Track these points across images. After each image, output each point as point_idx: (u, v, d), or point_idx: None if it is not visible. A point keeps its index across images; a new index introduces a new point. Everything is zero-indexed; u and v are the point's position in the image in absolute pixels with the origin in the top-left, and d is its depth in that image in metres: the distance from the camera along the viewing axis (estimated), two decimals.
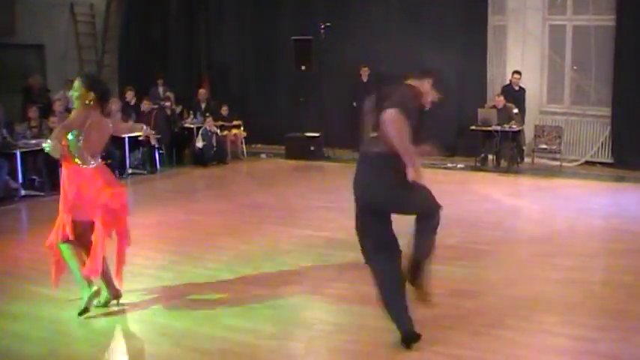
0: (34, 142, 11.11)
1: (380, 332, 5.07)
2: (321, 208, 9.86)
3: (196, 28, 17.10)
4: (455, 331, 5.10)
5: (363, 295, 5.95)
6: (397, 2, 14.66)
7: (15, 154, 10.71)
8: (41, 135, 11.51)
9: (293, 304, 5.85)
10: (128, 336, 5.31)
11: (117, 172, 12.59)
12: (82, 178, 5.46)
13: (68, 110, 12.67)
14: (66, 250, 5.50)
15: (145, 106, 14.03)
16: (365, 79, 15.02)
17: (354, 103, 14.93)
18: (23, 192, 10.71)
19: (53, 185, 10.03)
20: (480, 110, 13.37)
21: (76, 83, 5.46)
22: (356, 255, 7.01)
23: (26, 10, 14.95)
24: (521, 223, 9.22)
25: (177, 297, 6.02)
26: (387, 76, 14.54)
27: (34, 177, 10.93)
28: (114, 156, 12.54)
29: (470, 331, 5.11)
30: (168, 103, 14.63)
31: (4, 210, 10.00)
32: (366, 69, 14.92)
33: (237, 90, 16.05)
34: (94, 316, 5.56)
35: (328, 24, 14.65)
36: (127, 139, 12.72)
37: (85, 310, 5.47)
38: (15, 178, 10.83)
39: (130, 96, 14.42)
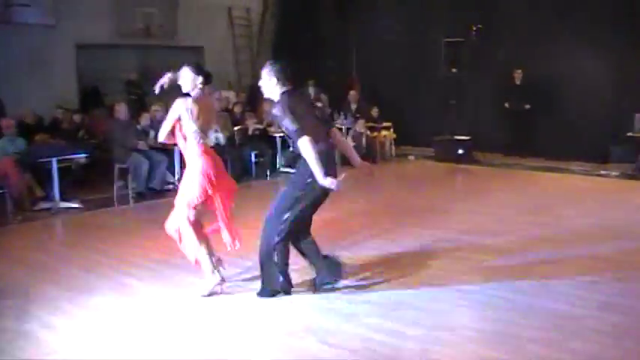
0: None
1: (525, 342, 4.98)
2: (468, 212, 9.72)
3: (347, 30, 17.32)
4: (601, 347, 4.88)
5: (510, 302, 5.86)
6: (551, 3, 14.22)
7: (174, 150, 11.25)
8: None
9: (437, 308, 5.83)
10: (273, 330, 5.43)
11: (268, 170, 13.04)
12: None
13: (227, 110, 13.18)
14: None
15: None
16: (518, 82, 14.74)
17: (507, 105, 14.72)
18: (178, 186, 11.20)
19: None
20: (637, 115, 12.76)
21: (186, 70, 6.14)
22: (505, 261, 6.94)
23: (188, 14, 15.78)
24: None
25: (320, 294, 6.12)
26: (541, 79, 14.27)
27: None
28: (265, 154, 12.97)
29: (618, 346, 4.89)
30: (320, 104, 14.89)
31: (161, 203, 10.40)
32: (519, 71, 14.62)
33: (386, 92, 16.10)
34: (244, 309, 5.83)
35: (480, 26, 14.47)
36: (277, 139, 13.08)
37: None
38: (173, 173, 11.42)
39: None
